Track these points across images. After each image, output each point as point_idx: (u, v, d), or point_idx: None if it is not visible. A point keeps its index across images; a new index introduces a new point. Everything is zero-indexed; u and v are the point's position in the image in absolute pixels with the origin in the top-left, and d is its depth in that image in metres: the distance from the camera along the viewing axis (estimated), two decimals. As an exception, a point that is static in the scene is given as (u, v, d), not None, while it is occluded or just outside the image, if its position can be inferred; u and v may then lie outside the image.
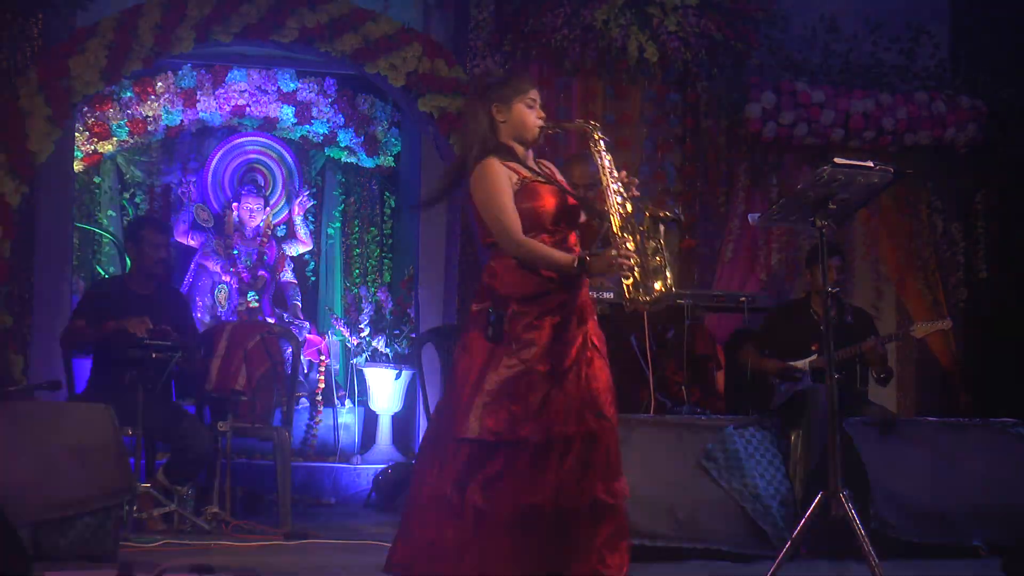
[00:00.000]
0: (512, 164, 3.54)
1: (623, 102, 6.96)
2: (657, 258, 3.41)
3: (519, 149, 3.58)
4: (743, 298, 6.00)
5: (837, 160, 3.86)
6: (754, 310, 6.02)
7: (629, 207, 3.45)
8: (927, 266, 7.22)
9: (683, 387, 5.81)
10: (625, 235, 3.41)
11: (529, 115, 3.56)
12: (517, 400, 3.42)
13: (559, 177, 3.67)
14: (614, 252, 3.37)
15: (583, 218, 3.60)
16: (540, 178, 3.54)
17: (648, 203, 3.51)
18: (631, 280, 3.39)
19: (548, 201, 3.50)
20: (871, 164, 3.91)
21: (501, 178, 3.49)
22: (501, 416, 3.41)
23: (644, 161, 6.96)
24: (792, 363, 5.93)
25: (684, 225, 3.76)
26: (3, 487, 4.09)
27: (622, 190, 3.46)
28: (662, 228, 3.44)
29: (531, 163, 3.61)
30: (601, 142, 3.52)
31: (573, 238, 3.57)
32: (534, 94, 3.58)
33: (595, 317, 3.56)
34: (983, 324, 7.34)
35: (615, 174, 3.48)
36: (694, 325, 5.64)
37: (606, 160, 3.49)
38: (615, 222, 3.43)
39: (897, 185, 5.90)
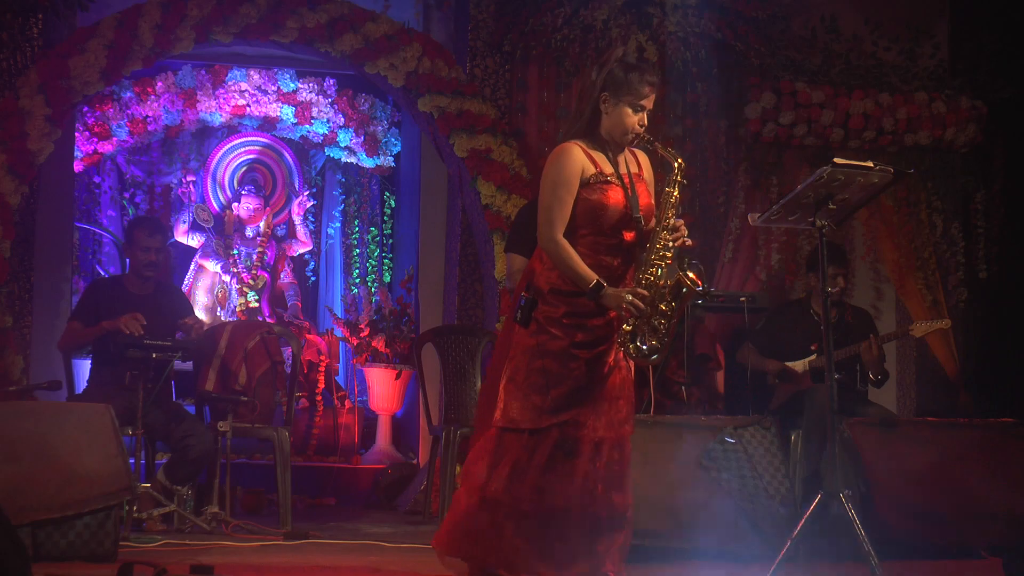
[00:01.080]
0: (596, 155, 3.51)
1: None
2: (661, 321, 3.40)
3: (610, 142, 3.54)
4: (743, 298, 6.01)
5: (837, 160, 3.87)
6: (754, 310, 6.03)
7: (669, 256, 3.43)
8: (927, 266, 7.22)
9: (683, 387, 5.81)
10: (647, 283, 3.39)
11: (630, 120, 3.49)
12: (539, 392, 3.43)
13: (645, 175, 3.62)
14: (629, 296, 3.36)
15: (652, 224, 3.54)
16: (616, 179, 3.49)
17: (686, 263, 3.47)
18: (629, 327, 3.40)
19: (612, 202, 3.46)
20: (871, 164, 3.92)
21: (572, 168, 3.45)
22: (523, 406, 3.43)
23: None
24: (792, 363, 5.94)
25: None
26: (3, 487, 4.09)
27: (669, 239, 3.44)
28: (684, 296, 3.42)
29: (620, 156, 3.55)
30: (677, 178, 3.46)
31: (629, 236, 3.52)
32: (647, 101, 3.50)
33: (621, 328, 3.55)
34: (983, 324, 7.34)
35: (672, 220, 3.44)
36: (694, 325, 5.65)
37: (672, 199, 3.45)
38: (647, 266, 3.41)
39: (897, 185, 5.91)
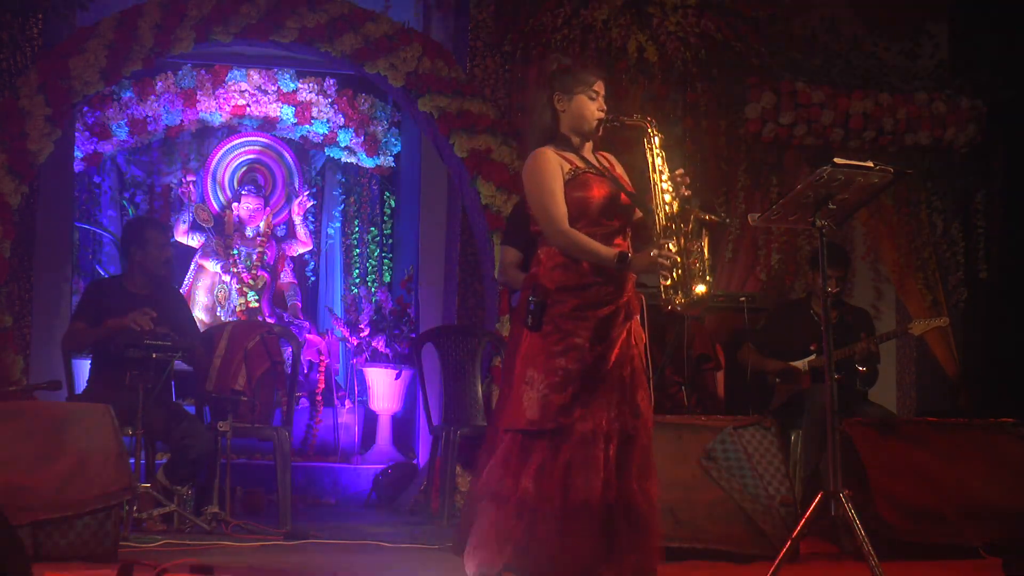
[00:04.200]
0: (567, 154, 3.57)
1: (623, 102, 6.95)
2: (697, 262, 3.44)
3: (576, 140, 3.60)
4: (743, 298, 6.00)
5: (837, 160, 3.86)
6: (754, 310, 6.03)
7: (676, 206, 3.48)
8: (927, 266, 7.22)
9: (682, 387, 5.81)
10: (668, 235, 3.43)
11: (589, 107, 3.58)
12: (557, 390, 3.44)
13: (618, 171, 3.68)
14: (655, 252, 3.40)
15: (639, 214, 3.60)
16: (592, 170, 3.55)
17: (696, 205, 3.53)
18: (669, 281, 3.42)
19: (597, 192, 3.52)
20: (871, 164, 3.91)
21: (551, 167, 3.51)
22: (542, 406, 3.43)
23: (644, 161, 6.95)
24: (792, 363, 5.94)
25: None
26: (3, 487, 4.09)
27: (671, 188, 3.49)
28: (705, 232, 3.46)
29: (589, 154, 3.62)
30: (655, 139, 3.54)
31: (620, 240, 3.56)
32: (598, 86, 3.60)
33: (639, 315, 3.56)
34: (983, 324, 7.34)
35: (666, 172, 3.50)
36: (694, 325, 5.65)
37: (657, 157, 3.53)
38: (659, 221, 3.46)
39: (897, 185, 5.90)
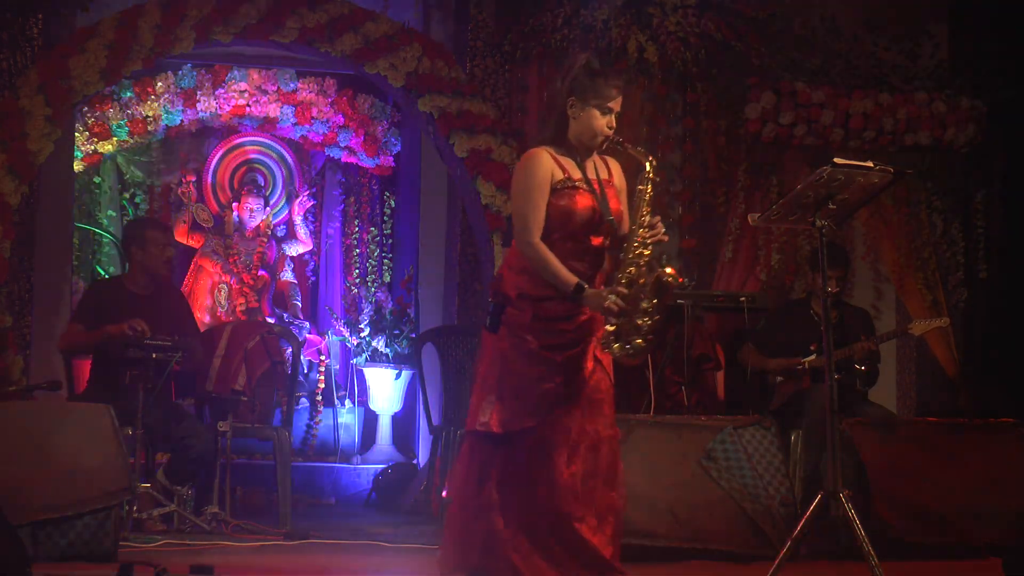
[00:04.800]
0: (565, 160, 3.53)
1: (623, 102, 6.94)
2: (644, 319, 3.41)
3: (579, 148, 3.56)
4: (743, 298, 6.01)
5: (837, 160, 3.86)
6: (754, 310, 6.03)
7: (647, 254, 3.45)
8: (927, 266, 7.21)
9: (682, 387, 5.81)
10: (628, 285, 3.40)
11: (599, 122, 3.52)
12: (517, 395, 3.44)
13: (615, 180, 3.63)
14: (612, 296, 3.37)
15: (624, 230, 3.56)
16: (584, 184, 3.51)
17: (664, 260, 3.50)
18: (613, 327, 3.41)
19: (581, 207, 3.48)
20: (871, 164, 3.91)
21: (541, 173, 3.48)
22: (501, 410, 3.43)
23: (644, 161, 6.95)
24: (792, 360, 5.93)
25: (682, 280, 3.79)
26: (3, 487, 4.09)
27: (646, 236, 3.45)
28: (664, 288, 3.43)
29: (589, 163, 3.57)
30: (650, 183, 3.49)
31: (597, 240, 3.54)
32: (615, 103, 3.53)
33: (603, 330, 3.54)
34: (983, 324, 7.34)
35: (647, 218, 3.45)
36: (694, 325, 5.65)
37: (646, 196, 3.47)
38: (625, 266, 3.43)
39: (897, 185, 5.90)
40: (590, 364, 3.51)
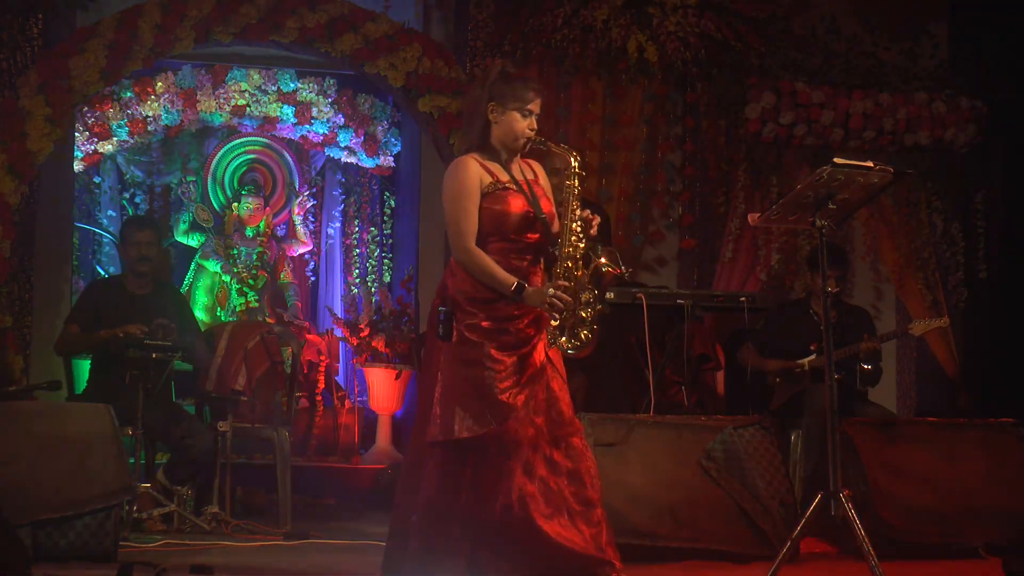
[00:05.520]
0: (491, 165, 3.58)
1: (623, 102, 6.95)
2: (587, 311, 3.46)
3: (503, 152, 3.60)
4: (743, 298, 6.00)
5: (837, 160, 3.87)
6: (754, 310, 6.02)
7: (582, 247, 3.49)
8: (927, 266, 7.21)
9: (683, 387, 5.81)
10: (568, 277, 3.45)
11: (520, 124, 3.57)
12: (474, 400, 3.44)
13: (541, 181, 3.68)
14: (552, 291, 3.40)
15: (557, 228, 3.59)
16: (513, 185, 3.55)
17: (602, 251, 3.57)
18: (557, 322, 3.45)
19: (514, 208, 3.52)
20: (871, 164, 3.92)
21: (470, 179, 3.52)
22: (462, 416, 3.43)
23: (644, 161, 6.95)
24: (792, 361, 5.93)
25: (624, 274, 3.85)
26: (3, 487, 4.09)
27: (579, 229, 3.49)
28: (602, 276, 3.48)
29: (514, 166, 3.62)
30: (576, 178, 3.53)
31: (533, 237, 3.56)
32: (534, 105, 3.58)
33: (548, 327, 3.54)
34: (983, 324, 7.34)
35: (578, 211, 3.50)
36: (694, 325, 5.64)
37: (574, 194, 3.52)
38: (561, 260, 3.47)
39: (897, 185, 5.90)
40: (541, 361, 3.52)
